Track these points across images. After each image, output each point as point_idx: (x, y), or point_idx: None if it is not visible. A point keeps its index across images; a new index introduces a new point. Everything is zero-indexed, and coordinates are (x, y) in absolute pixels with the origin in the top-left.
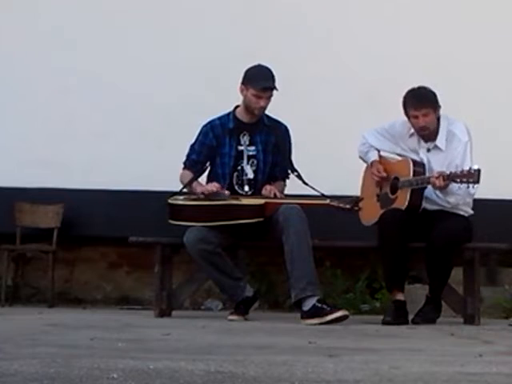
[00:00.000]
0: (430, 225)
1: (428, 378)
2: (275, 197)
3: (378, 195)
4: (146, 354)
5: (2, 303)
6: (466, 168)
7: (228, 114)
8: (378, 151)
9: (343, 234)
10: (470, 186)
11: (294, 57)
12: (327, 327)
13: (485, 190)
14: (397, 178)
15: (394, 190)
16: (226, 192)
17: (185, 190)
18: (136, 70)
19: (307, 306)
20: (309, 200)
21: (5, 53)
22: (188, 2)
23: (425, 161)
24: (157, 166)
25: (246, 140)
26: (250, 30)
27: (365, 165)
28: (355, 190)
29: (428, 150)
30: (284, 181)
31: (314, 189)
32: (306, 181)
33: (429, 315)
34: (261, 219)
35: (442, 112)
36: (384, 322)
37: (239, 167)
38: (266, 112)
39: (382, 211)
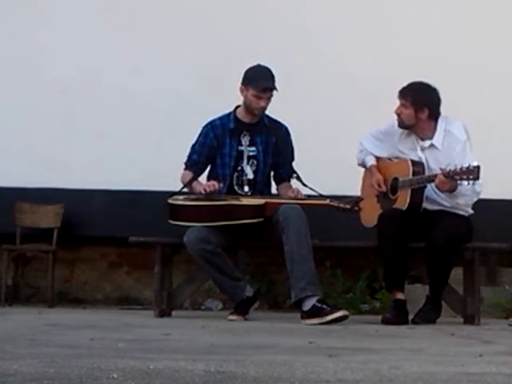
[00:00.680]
0: (430, 225)
1: (428, 377)
2: (301, 198)
3: (378, 196)
4: (146, 354)
5: (2, 303)
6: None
7: (228, 114)
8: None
9: (343, 234)
10: (471, 183)
11: (294, 57)
12: (327, 327)
13: (485, 190)
14: (396, 179)
15: (393, 190)
16: (221, 185)
17: (185, 189)
18: (136, 70)
19: (307, 306)
20: (309, 200)
21: (5, 53)
22: (188, 2)
23: (423, 159)
24: (157, 165)
25: (246, 140)
26: (250, 30)
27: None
28: (355, 190)
29: (424, 149)
30: (289, 181)
31: (313, 190)
32: (306, 182)
33: (429, 315)
34: (261, 219)
35: (442, 112)
36: (383, 319)
37: (239, 167)
38: (266, 112)
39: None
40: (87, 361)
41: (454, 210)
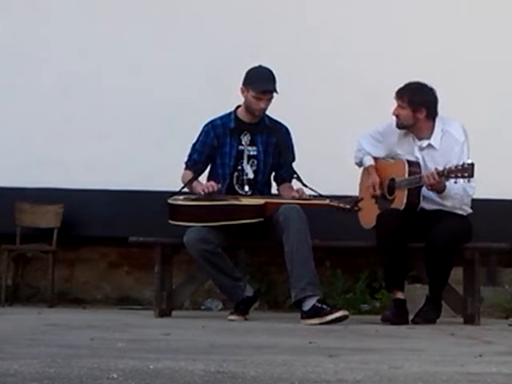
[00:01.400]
0: (429, 224)
1: (428, 377)
2: (305, 198)
3: (376, 197)
4: (146, 354)
5: (2, 303)
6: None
7: (229, 114)
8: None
9: (343, 234)
10: (467, 186)
11: (294, 56)
12: (327, 327)
13: (485, 190)
14: (393, 179)
15: (391, 191)
16: (219, 185)
17: (185, 189)
18: (136, 70)
19: (307, 306)
20: (309, 200)
21: (4, 53)
22: (188, 2)
23: (420, 160)
24: (157, 166)
25: (246, 140)
26: (251, 30)
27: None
28: (355, 190)
29: (421, 149)
30: (290, 182)
31: (313, 190)
32: (305, 182)
33: (429, 315)
34: (261, 219)
35: (440, 112)
36: (383, 318)
37: (239, 167)
38: (267, 112)
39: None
40: (87, 361)
41: (452, 210)
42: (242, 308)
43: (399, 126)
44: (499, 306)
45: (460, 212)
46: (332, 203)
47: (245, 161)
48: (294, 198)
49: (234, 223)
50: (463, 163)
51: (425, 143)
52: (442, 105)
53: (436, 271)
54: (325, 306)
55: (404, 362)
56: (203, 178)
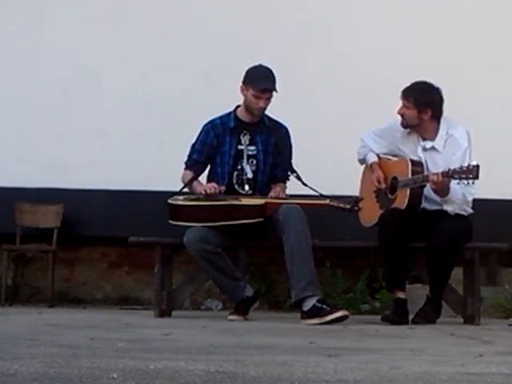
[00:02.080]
0: (430, 225)
1: (428, 377)
2: (281, 198)
3: (377, 196)
4: (146, 354)
5: (2, 303)
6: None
7: (229, 114)
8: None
9: (343, 234)
10: (467, 193)
11: (294, 57)
12: (327, 327)
13: (485, 190)
14: (395, 178)
15: (393, 190)
16: (222, 187)
17: (185, 189)
18: (136, 70)
19: (307, 306)
20: (309, 200)
21: (4, 53)
22: (188, 2)
23: (422, 160)
24: (157, 166)
25: (246, 139)
26: (250, 30)
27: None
28: (355, 190)
29: (425, 150)
30: (284, 182)
31: (313, 189)
32: (306, 182)
33: (429, 315)
34: (261, 219)
35: (444, 113)
36: (383, 317)
37: (239, 166)
38: (266, 112)
39: (381, 211)
40: (87, 361)
41: (452, 213)
42: (242, 308)
43: (404, 125)
44: (499, 306)
45: (461, 212)
46: (332, 203)
47: (244, 160)
48: (270, 198)
49: (234, 223)
50: (468, 164)
51: (428, 145)
52: (444, 104)
53: (437, 271)
54: (325, 306)
55: (404, 362)
56: (203, 177)
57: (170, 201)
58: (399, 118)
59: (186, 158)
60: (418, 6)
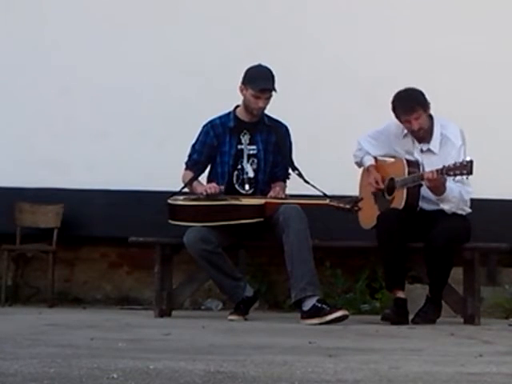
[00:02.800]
0: (429, 224)
1: (428, 378)
2: (281, 198)
3: (375, 197)
4: (146, 354)
5: (2, 303)
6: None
7: (228, 114)
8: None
9: (343, 234)
10: (464, 191)
11: (294, 57)
12: (327, 327)
13: (484, 190)
14: (392, 179)
15: (390, 190)
16: (222, 187)
17: (185, 189)
18: (136, 70)
19: (307, 306)
20: (309, 200)
21: (4, 53)
22: (187, 3)
23: (419, 162)
24: (157, 165)
25: (246, 139)
26: (250, 30)
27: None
28: (355, 190)
29: (422, 151)
30: (284, 181)
31: (314, 187)
32: (307, 179)
33: (429, 315)
34: (261, 219)
35: (434, 113)
36: (383, 316)
37: (239, 166)
38: (266, 112)
39: (379, 213)
40: (87, 361)
41: (449, 212)
42: (241, 308)
43: (424, 135)
44: (499, 306)
45: (460, 212)
46: (332, 203)
47: (245, 160)
48: (270, 198)
49: (234, 223)
50: (462, 160)
51: (425, 147)
52: (442, 104)
53: (436, 271)
54: (325, 306)
55: (404, 362)
56: (203, 177)
57: (169, 201)
58: (395, 120)
59: (186, 158)
60: (418, 5)
